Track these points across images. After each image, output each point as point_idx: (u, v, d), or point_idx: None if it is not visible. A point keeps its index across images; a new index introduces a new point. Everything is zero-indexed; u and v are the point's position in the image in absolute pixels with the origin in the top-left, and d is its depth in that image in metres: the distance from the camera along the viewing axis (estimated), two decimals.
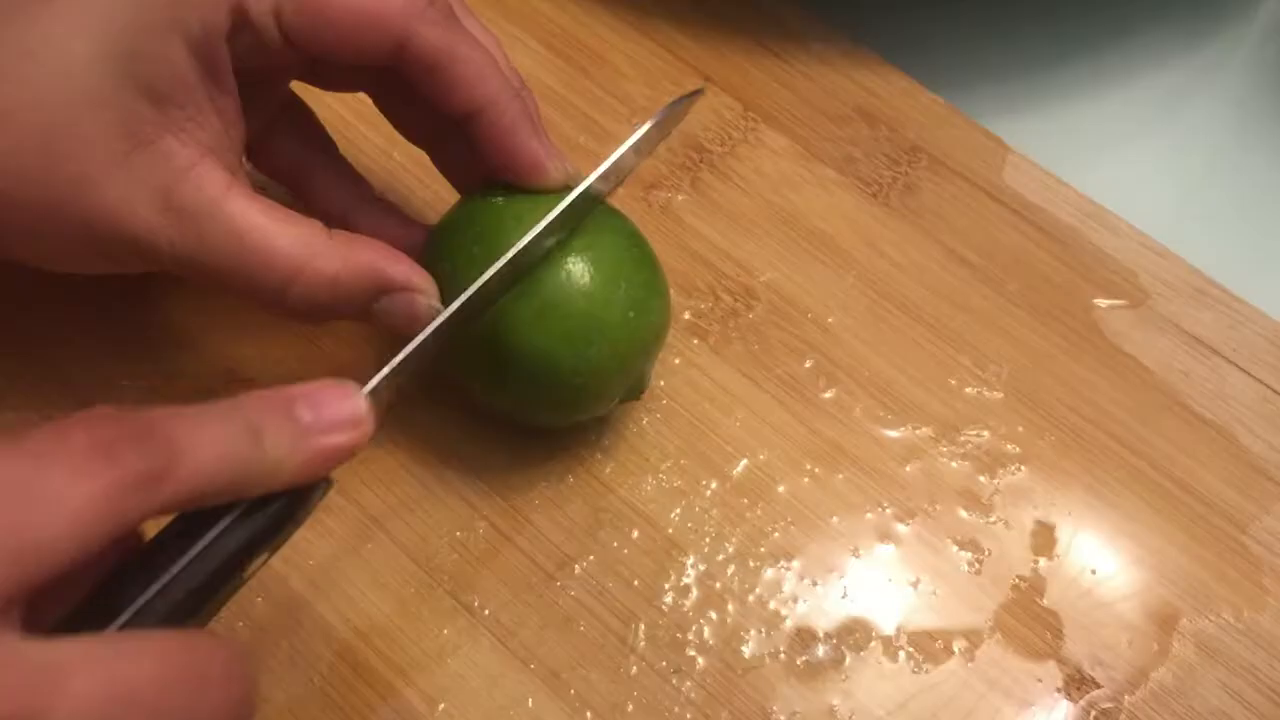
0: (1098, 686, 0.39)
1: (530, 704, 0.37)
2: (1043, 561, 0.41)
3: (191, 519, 0.29)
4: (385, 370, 0.33)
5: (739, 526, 0.41)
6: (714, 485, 0.41)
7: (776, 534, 0.41)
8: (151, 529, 0.29)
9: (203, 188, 0.34)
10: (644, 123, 0.37)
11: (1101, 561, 0.41)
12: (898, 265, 0.46)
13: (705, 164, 0.48)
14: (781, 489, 0.41)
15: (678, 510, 0.41)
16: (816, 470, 0.42)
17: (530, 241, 0.35)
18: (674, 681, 0.38)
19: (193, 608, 0.29)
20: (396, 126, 0.41)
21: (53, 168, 0.33)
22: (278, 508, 0.30)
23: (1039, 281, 0.46)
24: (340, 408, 0.31)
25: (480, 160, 0.37)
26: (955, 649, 0.39)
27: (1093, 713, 0.38)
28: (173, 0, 0.33)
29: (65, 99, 0.32)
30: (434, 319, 0.35)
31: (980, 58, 0.53)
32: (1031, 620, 0.40)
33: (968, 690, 0.39)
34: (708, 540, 0.40)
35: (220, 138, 0.35)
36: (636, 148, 0.38)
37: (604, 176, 0.37)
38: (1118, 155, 0.51)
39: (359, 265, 0.35)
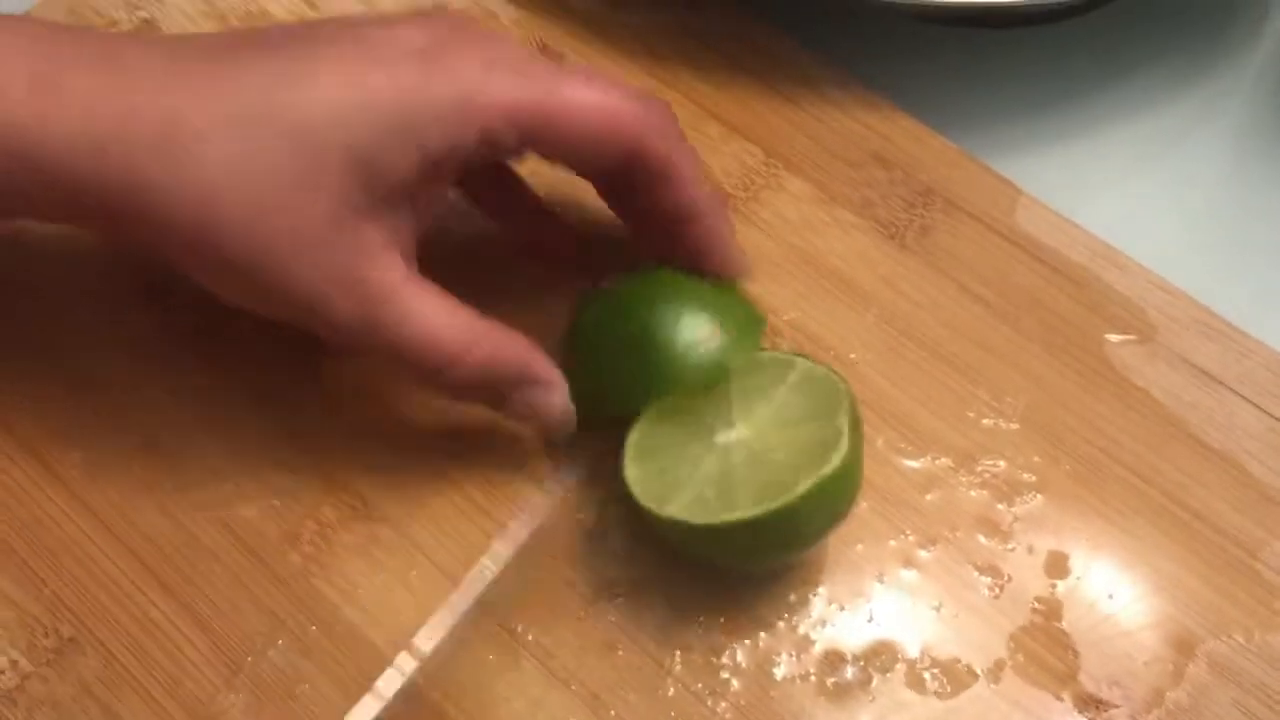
0: (1115, 707, 0.41)
1: None
2: (1060, 586, 0.42)
3: None
4: None
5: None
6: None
7: (805, 560, 0.42)
8: None
9: (386, 276, 0.37)
10: None
11: (1117, 586, 0.43)
12: (916, 304, 0.48)
13: (730, 208, 0.50)
14: None
15: None
16: None
17: None
18: (709, 703, 0.40)
19: None
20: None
21: (265, 225, 0.36)
22: None
23: (1051, 318, 0.48)
24: None
25: (676, 249, 0.41)
26: (978, 671, 0.41)
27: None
28: (421, 116, 0.36)
29: (295, 177, 0.35)
30: (565, 419, 0.40)
31: (985, 99, 0.55)
32: (1051, 643, 0.41)
33: (992, 711, 0.40)
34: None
35: (408, 232, 0.38)
36: None
37: None
38: (1122, 191, 0.53)
39: (508, 357, 0.39)
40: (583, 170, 0.42)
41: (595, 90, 0.38)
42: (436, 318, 0.38)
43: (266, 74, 0.36)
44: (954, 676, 0.41)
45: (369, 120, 0.35)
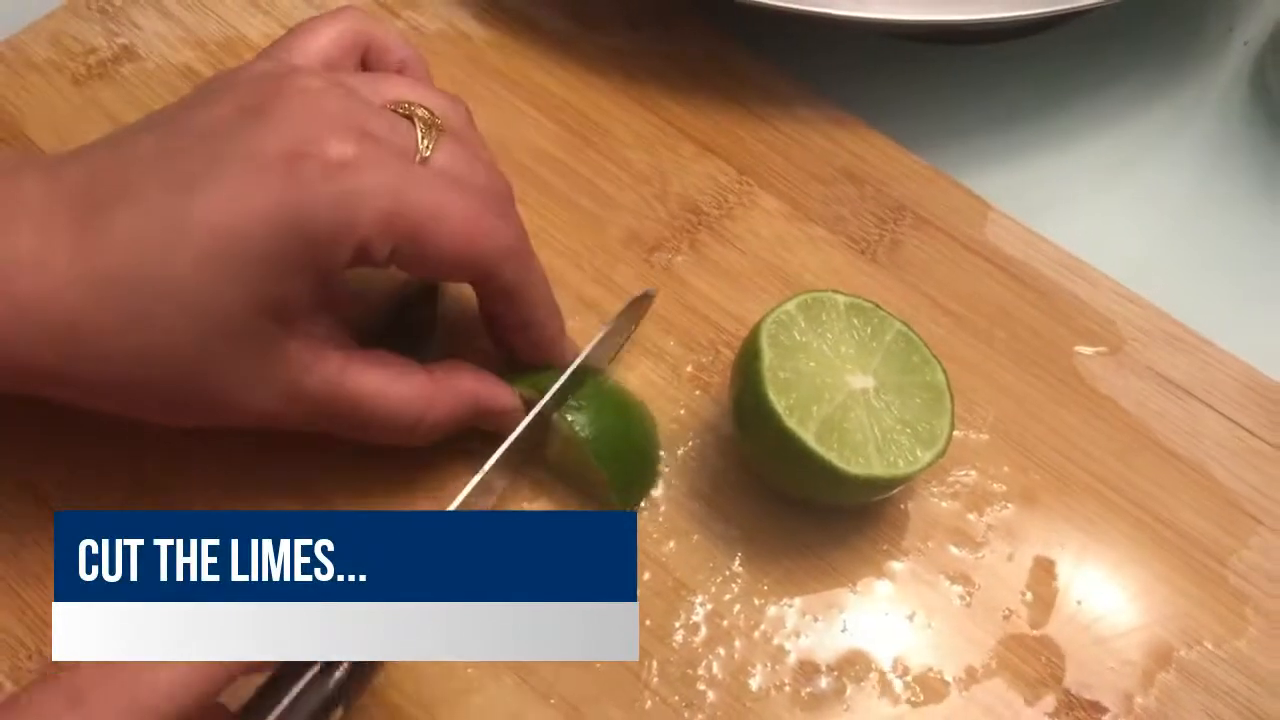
0: (1085, 711, 0.41)
1: None
2: (1030, 594, 0.43)
3: (271, 685, 0.34)
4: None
5: (744, 567, 0.43)
6: (719, 528, 0.44)
7: (778, 572, 0.43)
8: None
9: (326, 377, 0.39)
10: (604, 326, 0.45)
11: (1087, 593, 0.43)
12: None
13: (704, 226, 0.51)
14: (782, 529, 0.44)
15: (686, 553, 0.43)
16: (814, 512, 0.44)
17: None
18: (686, 715, 0.40)
19: None
20: None
21: (185, 383, 0.37)
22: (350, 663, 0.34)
23: (1021, 330, 0.49)
24: None
25: (511, 348, 0.44)
26: (949, 677, 0.41)
27: None
28: (304, 250, 0.36)
29: (199, 335, 0.36)
30: (516, 421, 0.42)
31: (954, 115, 0.56)
32: (1022, 650, 0.42)
33: (964, 716, 0.41)
34: (715, 581, 0.43)
35: (333, 328, 0.40)
36: (604, 342, 0.45)
37: (594, 356, 0.45)
38: (1090, 205, 0.54)
39: (464, 400, 0.42)
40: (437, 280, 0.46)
41: (466, 207, 0.38)
42: (387, 393, 0.40)
43: (141, 238, 0.36)
44: (927, 685, 0.41)
45: (251, 263, 0.36)
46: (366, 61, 0.44)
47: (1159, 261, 0.53)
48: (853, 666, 0.42)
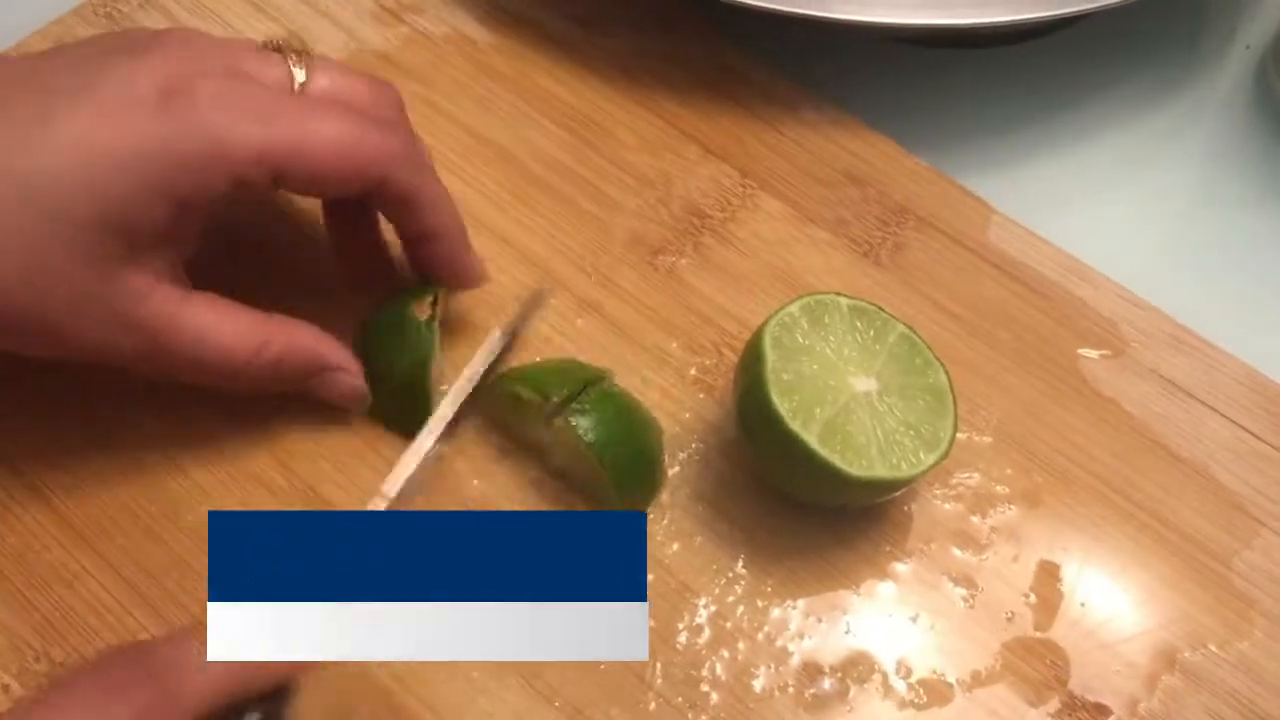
0: (1089, 714, 0.41)
1: None
2: (1033, 596, 0.43)
3: None
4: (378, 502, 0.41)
5: (747, 568, 0.43)
6: (722, 530, 0.44)
7: (782, 573, 0.43)
8: None
9: (161, 309, 0.39)
10: (497, 329, 0.46)
11: (1091, 595, 0.43)
12: None
13: (707, 229, 0.51)
14: (785, 531, 0.44)
15: (689, 555, 0.43)
16: (817, 514, 0.44)
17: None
18: (690, 716, 0.41)
19: None
20: (331, 230, 0.47)
21: (30, 293, 0.37)
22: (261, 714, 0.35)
23: (1024, 332, 0.49)
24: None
25: (422, 266, 0.45)
26: (952, 680, 0.42)
27: None
28: (172, 172, 0.37)
29: (51, 242, 0.36)
30: (359, 397, 0.44)
31: (957, 118, 0.56)
32: (1024, 651, 0.42)
33: (967, 718, 0.41)
34: (719, 583, 0.43)
35: (174, 264, 0.40)
36: (503, 336, 0.45)
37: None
38: (1093, 208, 0.54)
39: (299, 349, 0.42)
40: (329, 198, 0.44)
41: (341, 124, 0.39)
42: (221, 328, 0.40)
43: (7, 135, 0.36)
44: (930, 687, 0.41)
45: (114, 179, 0.36)
46: None
47: (1162, 264, 0.53)
48: (856, 668, 0.42)
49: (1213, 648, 0.43)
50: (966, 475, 0.45)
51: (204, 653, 0.33)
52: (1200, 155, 0.57)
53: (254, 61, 0.40)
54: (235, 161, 0.37)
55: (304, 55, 0.41)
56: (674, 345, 0.48)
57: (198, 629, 0.34)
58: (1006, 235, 0.51)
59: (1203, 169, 0.56)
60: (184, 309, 0.39)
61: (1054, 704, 0.41)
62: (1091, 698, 0.42)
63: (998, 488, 0.45)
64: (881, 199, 0.52)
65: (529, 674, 0.41)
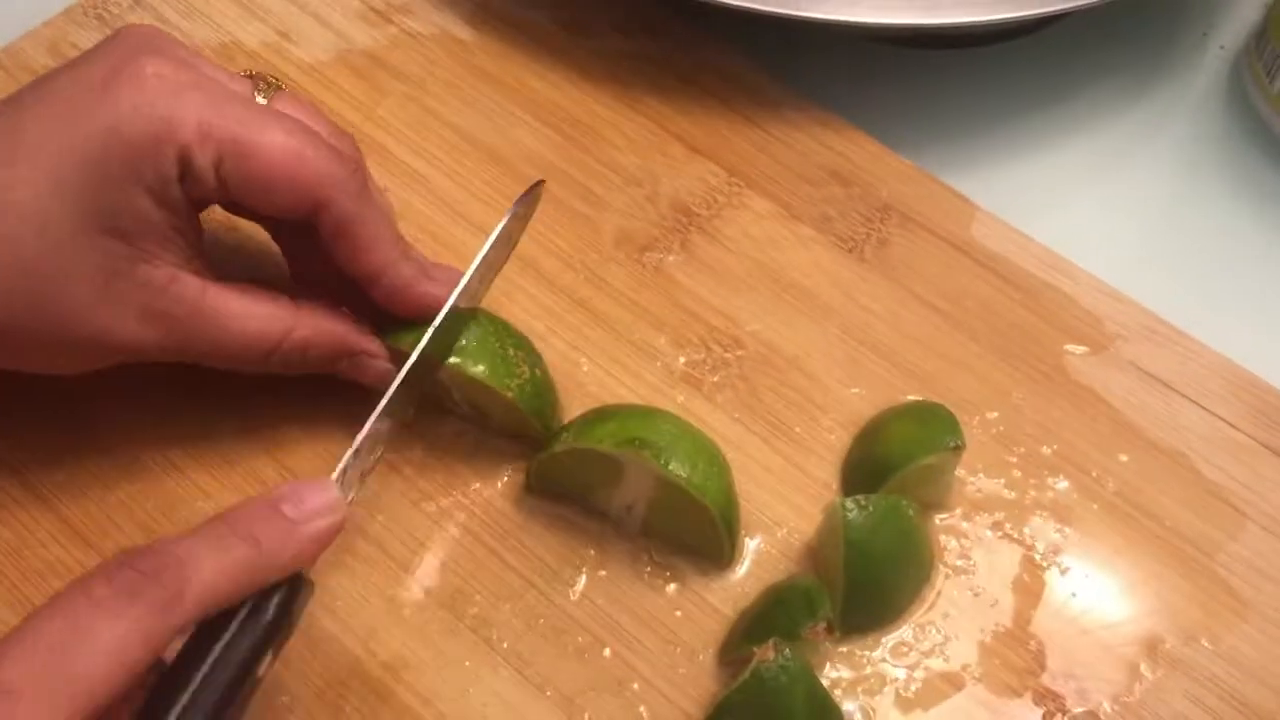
0: (1071, 701, 0.42)
1: None
2: (1017, 587, 0.44)
3: (203, 634, 0.34)
4: (347, 456, 0.38)
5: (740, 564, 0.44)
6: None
7: (774, 574, 0.44)
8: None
9: (181, 298, 0.39)
10: (497, 224, 0.43)
11: (1075, 586, 0.44)
12: (874, 315, 0.49)
13: (694, 227, 0.51)
14: (770, 520, 0.45)
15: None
16: (804, 505, 0.45)
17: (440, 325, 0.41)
18: (677, 693, 0.41)
19: (221, 715, 0.33)
20: (289, 260, 0.46)
21: (40, 306, 0.38)
22: (276, 602, 0.35)
23: (1007, 327, 0.49)
24: (319, 498, 0.36)
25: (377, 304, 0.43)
26: (936, 668, 0.42)
27: (1068, 718, 0.41)
28: (127, 157, 0.37)
29: (44, 250, 0.37)
30: (387, 377, 0.41)
31: (939, 117, 0.57)
32: (1012, 641, 0.43)
33: (955, 708, 0.41)
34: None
35: (187, 251, 0.40)
36: (498, 244, 0.43)
37: (478, 275, 0.43)
38: (1073, 204, 0.55)
39: (325, 334, 0.42)
40: (269, 217, 0.43)
41: (293, 134, 0.39)
42: (246, 315, 0.40)
43: None
44: (916, 670, 0.42)
45: (81, 177, 0.37)
46: None
47: (1140, 259, 0.53)
48: (848, 658, 0.42)
49: (1195, 637, 0.43)
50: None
51: (211, 549, 0.33)
52: (1175, 153, 0.58)
53: (217, 72, 0.40)
54: (181, 134, 0.37)
55: (272, 85, 0.41)
56: (662, 340, 0.48)
57: (206, 525, 0.34)
58: (989, 232, 0.52)
59: (1178, 167, 0.57)
60: (206, 297, 0.40)
61: (1036, 693, 0.42)
62: (1074, 685, 0.42)
63: (980, 480, 0.46)
64: (866, 196, 0.53)
65: (520, 663, 0.41)
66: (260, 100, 0.41)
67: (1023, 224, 0.52)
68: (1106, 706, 0.42)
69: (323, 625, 0.42)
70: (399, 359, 0.42)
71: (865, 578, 0.41)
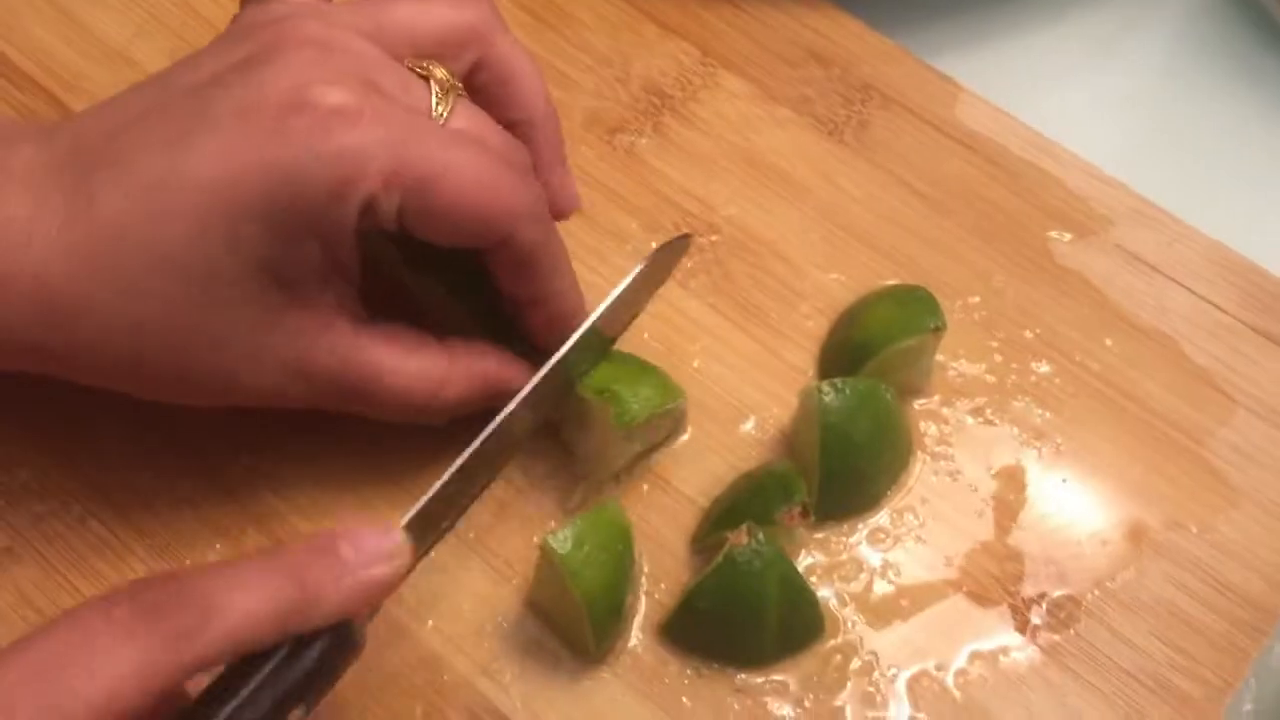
0: (1050, 584, 0.41)
1: None
2: (1000, 473, 0.43)
3: (233, 673, 0.31)
4: (421, 503, 0.36)
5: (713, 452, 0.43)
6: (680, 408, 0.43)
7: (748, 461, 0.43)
8: None
9: (335, 349, 0.36)
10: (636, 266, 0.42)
11: (1059, 472, 0.43)
12: (854, 198, 0.48)
13: (667, 108, 0.49)
14: (746, 411, 0.43)
15: None
16: (780, 392, 0.44)
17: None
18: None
19: None
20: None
21: (195, 351, 0.35)
22: (317, 651, 0.32)
23: (991, 210, 0.48)
24: (379, 543, 0.33)
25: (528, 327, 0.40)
26: (914, 553, 0.41)
27: (1047, 605, 0.40)
28: (304, 209, 0.34)
29: (205, 300, 0.34)
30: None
31: None
32: (992, 527, 0.42)
33: (941, 601, 0.41)
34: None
35: (344, 296, 0.37)
36: (633, 290, 0.42)
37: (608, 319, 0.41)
38: (1063, 87, 0.53)
39: (479, 379, 0.39)
40: (446, 244, 0.38)
41: (481, 162, 0.35)
42: (400, 369, 0.38)
43: (130, 203, 0.34)
44: (905, 565, 0.41)
45: (250, 228, 0.33)
46: None
47: (1129, 143, 0.52)
48: (840, 568, 0.41)
49: (1181, 522, 0.42)
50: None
51: (250, 582, 0.31)
52: (1167, 37, 0.56)
53: (392, 79, 0.36)
54: (366, 183, 0.34)
55: (450, 89, 0.37)
56: (634, 225, 0.47)
57: (253, 556, 0.32)
58: (974, 113, 0.50)
59: (1170, 51, 0.55)
60: (360, 347, 0.37)
61: (1012, 578, 0.41)
62: (1054, 569, 0.41)
63: (963, 366, 0.45)
64: (846, 77, 0.51)
65: (487, 554, 0.41)
66: (440, 110, 0.36)
67: (1012, 107, 0.50)
68: (1087, 592, 0.41)
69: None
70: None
71: (841, 463, 0.40)
